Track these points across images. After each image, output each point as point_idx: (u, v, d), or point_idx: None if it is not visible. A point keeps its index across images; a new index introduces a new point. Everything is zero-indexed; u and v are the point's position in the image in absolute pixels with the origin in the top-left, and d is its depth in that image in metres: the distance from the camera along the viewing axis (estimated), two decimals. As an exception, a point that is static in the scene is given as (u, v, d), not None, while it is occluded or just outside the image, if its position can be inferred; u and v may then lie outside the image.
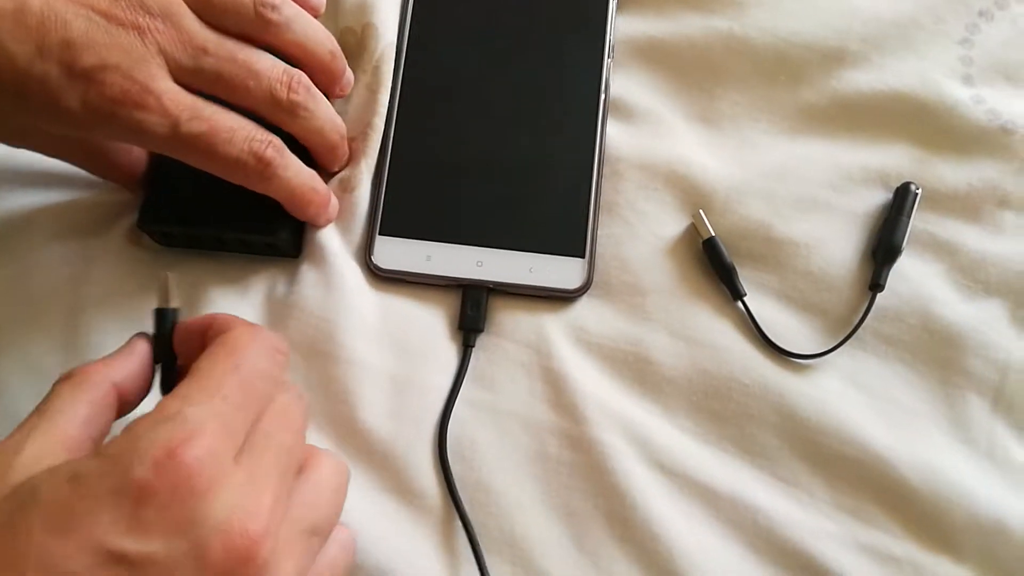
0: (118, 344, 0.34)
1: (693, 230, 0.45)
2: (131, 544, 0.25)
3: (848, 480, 0.41)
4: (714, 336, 0.43)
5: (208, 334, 0.32)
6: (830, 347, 0.42)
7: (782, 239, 0.44)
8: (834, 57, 0.47)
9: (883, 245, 0.43)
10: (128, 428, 0.28)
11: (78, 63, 0.34)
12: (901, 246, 0.43)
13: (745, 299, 0.43)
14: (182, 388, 0.29)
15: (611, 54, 0.47)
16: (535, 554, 0.40)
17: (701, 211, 0.44)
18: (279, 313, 0.43)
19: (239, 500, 0.27)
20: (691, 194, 0.45)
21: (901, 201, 0.44)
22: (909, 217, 0.44)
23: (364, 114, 0.45)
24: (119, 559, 0.25)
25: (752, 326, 0.43)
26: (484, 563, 0.39)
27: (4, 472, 0.27)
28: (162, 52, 0.36)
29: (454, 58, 0.47)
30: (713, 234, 0.44)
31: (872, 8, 0.48)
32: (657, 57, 0.48)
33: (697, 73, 0.48)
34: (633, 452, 0.41)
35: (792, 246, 0.44)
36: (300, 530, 0.29)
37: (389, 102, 0.46)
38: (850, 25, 0.47)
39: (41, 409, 0.30)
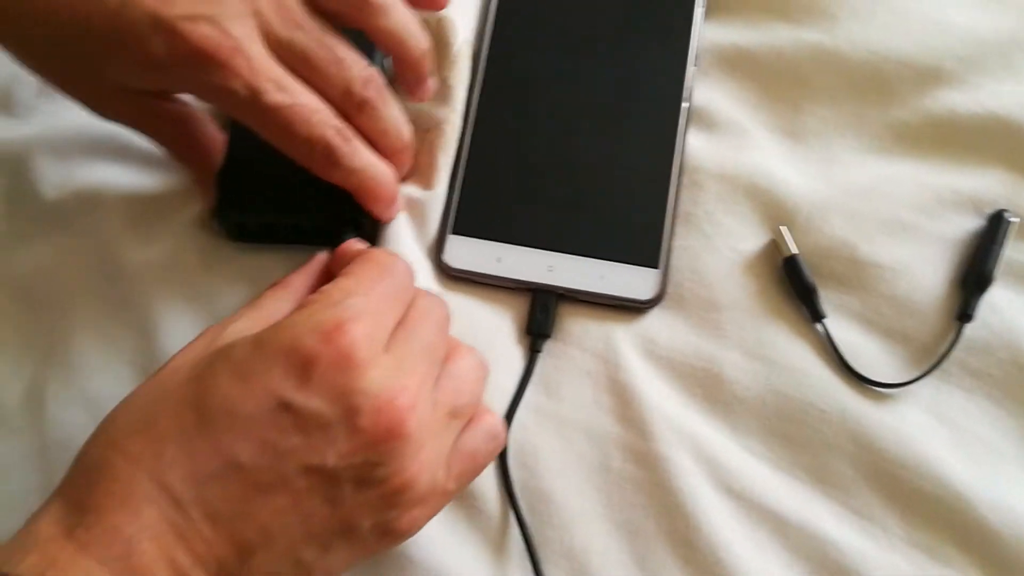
0: (186, 327, 0.39)
1: (773, 246, 0.43)
2: (298, 398, 0.30)
3: (925, 516, 0.39)
4: (791, 358, 0.41)
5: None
6: (913, 377, 0.41)
7: (867, 261, 0.42)
8: (929, 75, 0.45)
9: (973, 273, 0.42)
10: (302, 307, 0.33)
11: (168, 9, 0.34)
12: (993, 275, 0.41)
13: (825, 321, 0.41)
14: (342, 282, 0.34)
15: (696, 62, 0.46)
16: (593, 568, 0.38)
17: (783, 227, 0.43)
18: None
19: (390, 378, 0.31)
20: (772, 209, 0.44)
21: (994, 228, 0.42)
22: (1002, 246, 0.42)
23: (441, 109, 0.44)
24: (286, 408, 0.30)
25: (831, 350, 0.41)
26: (542, 573, 0.38)
27: (217, 336, 0.33)
28: (259, 15, 0.35)
29: (535, 58, 0.46)
30: (795, 252, 0.42)
31: (971, 26, 0.46)
32: (743, 67, 0.47)
33: (784, 85, 0.46)
34: (700, 472, 0.39)
35: (877, 269, 0.42)
36: (443, 413, 0.33)
37: (467, 98, 0.45)
38: (947, 43, 0.46)
39: (252, 303, 0.35)
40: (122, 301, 0.41)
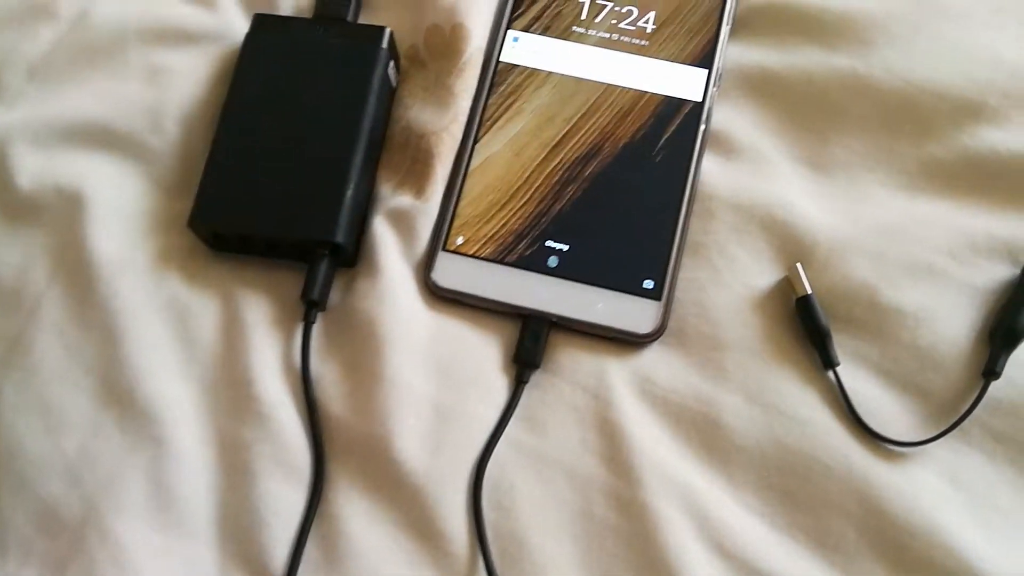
0: (153, 337, 0.38)
1: (787, 284, 0.40)
2: None
3: (933, 591, 0.35)
4: (797, 407, 0.38)
5: None
6: (930, 436, 0.37)
7: (888, 306, 0.39)
8: (969, 110, 0.42)
9: (1003, 327, 0.38)
10: None
11: None
12: (1025, 331, 0.38)
13: (838, 369, 0.38)
14: None
15: (717, 82, 0.43)
16: (564, 624, 0.35)
17: (799, 264, 0.39)
18: (327, 322, 0.40)
19: None
20: (789, 244, 0.41)
21: (1031, 280, 0.39)
22: (1038, 299, 0.38)
23: (442, 116, 0.42)
24: None
25: (842, 400, 0.38)
26: (506, 626, 0.35)
27: None
28: None
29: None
30: (810, 291, 0.39)
31: (1021, 60, 0.42)
32: (769, 91, 0.44)
33: (811, 112, 0.43)
34: (689, 526, 0.36)
35: (898, 315, 0.39)
36: None
37: (471, 110, 0.43)
38: (992, 76, 0.42)
39: None
40: (90, 304, 0.39)
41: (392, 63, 0.42)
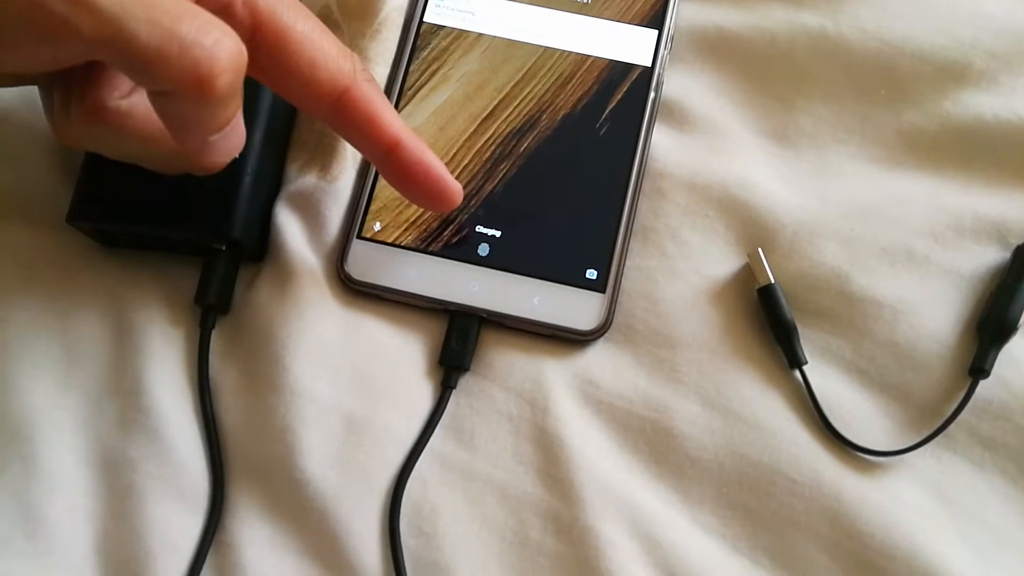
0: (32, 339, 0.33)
1: (747, 272, 0.36)
2: None
3: (914, 620, 0.31)
4: (759, 412, 0.34)
5: None
6: (910, 444, 0.33)
7: (861, 296, 0.35)
8: (953, 73, 0.37)
9: (993, 319, 0.34)
10: None
11: None
12: (1017, 323, 0.34)
13: (805, 368, 0.34)
14: None
15: (668, 45, 0.38)
16: (494, 667, 0.31)
17: (760, 250, 0.35)
18: (229, 323, 0.35)
19: None
20: (750, 227, 0.36)
21: (1022, 265, 0.34)
22: (1031, 286, 0.34)
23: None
24: None
25: (810, 404, 0.34)
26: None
27: None
28: None
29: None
30: (772, 280, 0.35)
31: (1008, 18, 0.38)
32: (727, 54, 0.39)
33: (775, 78, 0.39)
34: (637, 551, 0.32)
35: (873, 307, 0.35)
36: None
37: (390, 77, 0.38)
38: (977, 35, 0.38)
39: None
40: None
41: None
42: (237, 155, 0.29)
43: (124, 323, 0.35)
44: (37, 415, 0.34)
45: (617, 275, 0.35)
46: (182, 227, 0.34)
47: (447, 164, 0.36)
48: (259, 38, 0.28)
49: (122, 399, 0.34)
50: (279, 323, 0.34)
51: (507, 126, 0.37)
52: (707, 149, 0.38)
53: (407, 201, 0.36)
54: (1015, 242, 0.35)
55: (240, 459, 0.34)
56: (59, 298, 0.36)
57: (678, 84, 0.39)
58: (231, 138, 0.28)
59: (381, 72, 0.37)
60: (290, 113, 0.38)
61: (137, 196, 0.34)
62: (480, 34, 0.38)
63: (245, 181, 0.34)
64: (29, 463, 0.33)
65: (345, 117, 0.30)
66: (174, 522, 0.33)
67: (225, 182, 0.34)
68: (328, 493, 0.33)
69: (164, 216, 0.34)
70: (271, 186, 0.36)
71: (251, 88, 0.35)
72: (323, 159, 0.37)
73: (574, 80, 0.37)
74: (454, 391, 0.35)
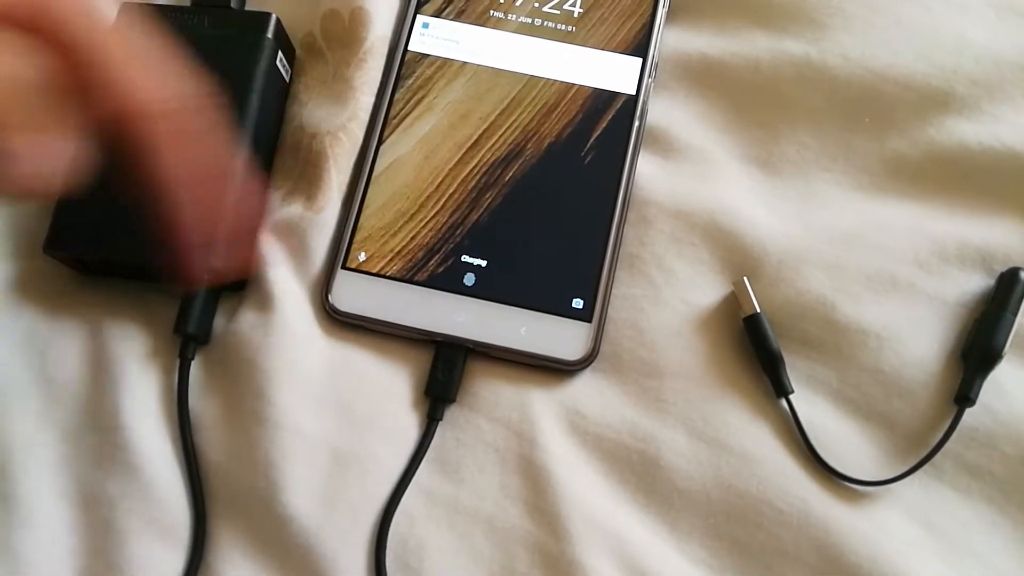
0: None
1: (733, 301, 0.35)
2: None
3: (902, 652, 0.31)
4: (746, 442, 0.34)
5: None
6: (897, 473, 0.33)
7: (847, 324, 0.35)
8: (935, 100, 0.37)
9: (978, 347, 0.34)
10: None
11: None
12: (1002, 350, 0.34)
13: (791, 397, 0.34)
14: None
15: (653, 72, 0.38)
16: None
17: (745, 279, 0.35)
18: (210, 354, 0.35)
19: None
20: (736, 255, 0.36)
21: (1007, 292, 0.34)
22: (1015, 314, 0.34)
23: (338, 114, 0.37)
24: None
25: (797, 434, 0.34)
26: None
27: None
28: None
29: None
30: (758, 309, 0.34)
31: (989, 44, 0.38)
32: (711, 82, 0.39)
33: (760, 105, 0.38)
34: (625, 584, 0.32)
35: (859, 335, 0.34)
36: None
37: (375, 107, 0.37)
38: (959, 62, 0.38)
39: None
40: None
41: (281, 54, 0.37)
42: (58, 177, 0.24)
43: (103, 355, 0.35)
44: (15, 451, 0.33)
45: (603, 304, 0.35)
46: (159, 255, 0.34)
47: (433, 193, 0.36)
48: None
49: (100, 434, 0.34)
50: (263, 354, 0.34)
51: (492, 155, 0.37)
52: (692, 176, 0.37)
53: (392, 231, 0.36)
54: (999, 268, 0.35)
55: (223, 493, 0.33)
56: (38, 330, 0.35)
57: (663, 112, 0.38)
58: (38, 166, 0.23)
59: (367, 101, 0.37)
60: (273, 136, 0.37)
61: (113, 224, 0.34)
62: (465, 63, 0.38)
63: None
64: (7, 500, 0.32)
65: None
66: (155, 559, 0.32)
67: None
68: (313, 529, 0.32)
69: (144, 244, 0.34)
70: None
71: (234, 109, 0.35)
72: (308, 189, 0.36)
73: (559, 108, 0.37)
74: (440, 422, 0.34)
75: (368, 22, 0.37)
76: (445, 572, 0.32)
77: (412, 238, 0.36)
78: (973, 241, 0.36)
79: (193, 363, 0.35)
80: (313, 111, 0.37)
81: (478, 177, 0.37)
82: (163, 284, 0.35)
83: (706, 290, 0.36)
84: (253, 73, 0.36)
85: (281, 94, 0.38)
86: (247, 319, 0.35)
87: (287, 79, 0.38)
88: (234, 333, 0.35)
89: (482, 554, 0.33)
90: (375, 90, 0.38)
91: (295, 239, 0.36)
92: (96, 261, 0.35)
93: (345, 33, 0.38)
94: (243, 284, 0.36)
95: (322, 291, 0.35)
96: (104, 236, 0.34)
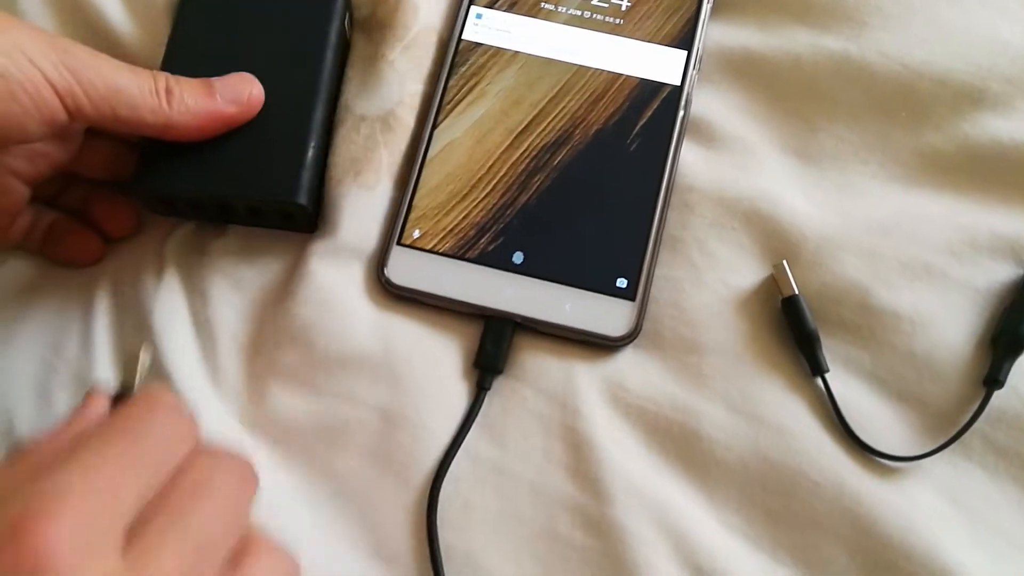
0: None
1: (772, 284, 0.37)
2: None
3: (929, 619, 0.32)
4: (783, 417, 0.35)
5: None
6: (927, 450, 0.34)
7: (881, 309, 0.36)
8: (970, 96, 0.39)
9: (1007, 333, 0.35)
10: None
11: None
12: (1031, 336, 0.35)
13: (827, 376, 0.35)
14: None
15: (697, 65, 0.40)
16: (524, 656, 0.32)
17: (784, 262, 0.36)
18: (264, 320, 0.37)
19: None
20: (775, 240, 0.37)
21: (1036, 280, 0.36)
22: (1044, 302, 0.35)
23: (387, 99, 0.38)
24: None
25: (832, 411, 0.35)
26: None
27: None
28: None
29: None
30: (796, 291, 0.36)
31: (1022, 42, 0.39)
32: (753, 75, 0.40)
33: (799, 98, 0.40)
34: (664, 546, 0.33)
35: (893, 319, 0.36)
36: None
37: (430, 92, 0.39)
38: (995, 61, 0.39)
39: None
40: None
41: (348, 17, 0.39)
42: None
43: None
44: None
45: (646, 284, 0.37)
46: (249, 191, 0.35)
47: (484, 175, 0.38)
48: None
49: None
50: (322, 323, 0.35)
51: (541, 140, 0.38)
52: (733, 165, 0.39)
53: (445, 210, 0.37)
54: (1030, 259, 0.37)
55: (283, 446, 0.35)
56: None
57: (706, 103, 0.40)
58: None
59: (413, 88, 0.39)
60: (337, 94, 0.39)
61: (201, 162, 0.35)
62: (516, 52, 0.40)
63: (309, 151, 0.36)
64: None
65: None
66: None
67: (290, 150, 0.35)
68: (366, 485, 0.34)
69: (229, 181, 0.35)
70: (324, 162, 0.38)
71: (312, 61, 0.37)
72: (362, 168, 0.38)
73: (606, 97, 0.39)
74: (488, 392, 0.36)
75: (415, 11, 0.39)
76: (489, 529, 0.34)
77: (464, 217, 0.38)
78: (1004, 232, 0.37)
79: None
80: (359, 90, 0.39)
81: (527, 161, 0.38)
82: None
83: (745, 273, 0.37)
84: (328, 31, 0.37)
85: (345, 54, 0.39)
86: (307, 287, 0.36)
87: (349, 41, 0.40)
88: (292, 298, 0.36)
89: (525, 515, 0.34)
90: (422, 77, 0.39)
91: (352, 214, 0.37)
92: (183, 199, 0.36)
93: (390, 16, 0.39)
94: (314, 227, 0.37)
95: (378, 265, 0.37)
96: (191, 173, 0.35)
